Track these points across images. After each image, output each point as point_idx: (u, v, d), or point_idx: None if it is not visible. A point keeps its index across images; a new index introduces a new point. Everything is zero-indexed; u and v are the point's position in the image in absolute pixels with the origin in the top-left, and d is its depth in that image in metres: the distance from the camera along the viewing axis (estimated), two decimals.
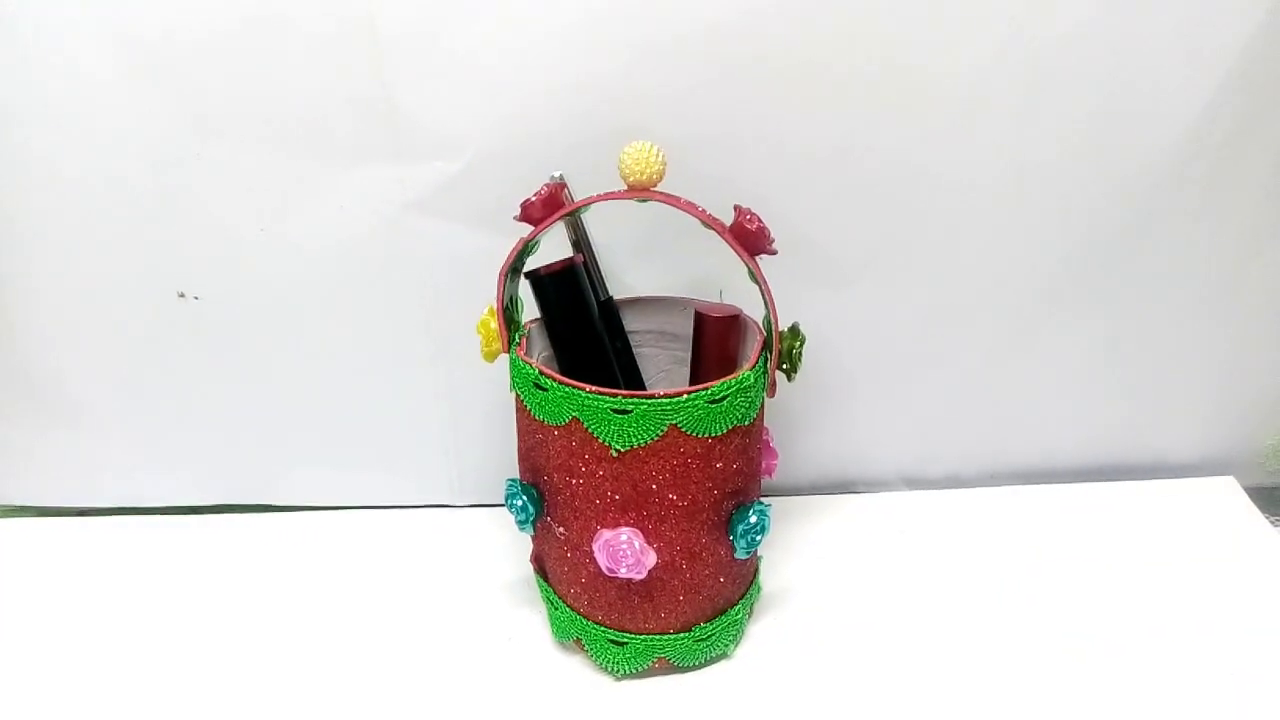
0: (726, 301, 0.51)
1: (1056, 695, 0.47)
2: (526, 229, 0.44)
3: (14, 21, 0.48)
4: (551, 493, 0.46)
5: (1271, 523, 0.57)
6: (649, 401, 0.41)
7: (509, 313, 0.46)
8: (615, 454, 0.42)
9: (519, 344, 0.46)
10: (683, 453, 0.43)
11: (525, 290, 0.47)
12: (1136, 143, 0.52)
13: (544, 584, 0.51)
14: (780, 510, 0.58)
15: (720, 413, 0.42)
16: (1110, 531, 0.58)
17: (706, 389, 0.42)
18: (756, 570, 0.52)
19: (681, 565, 0.45)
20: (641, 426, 0.42)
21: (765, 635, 0.51)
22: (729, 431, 0.43)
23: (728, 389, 0.42)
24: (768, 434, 0.51)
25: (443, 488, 0.62)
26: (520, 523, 0.47)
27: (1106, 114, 0.51)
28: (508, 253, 0.44)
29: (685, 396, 0.41)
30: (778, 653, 0.50)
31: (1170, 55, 0.50)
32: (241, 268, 0.55)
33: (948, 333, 0.58)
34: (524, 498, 0.46)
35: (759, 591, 0.53)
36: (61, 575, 0.57)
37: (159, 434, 0.60)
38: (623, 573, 0.44)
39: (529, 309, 0.48)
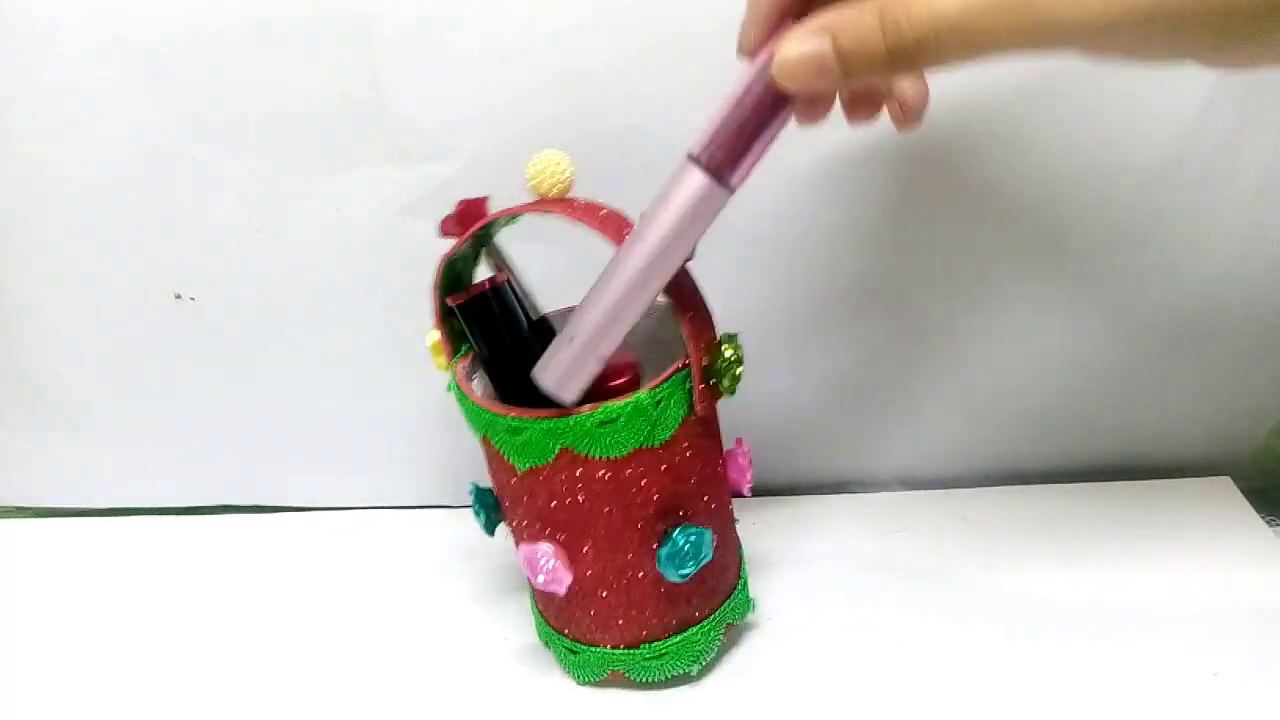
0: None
1: (1050, 695, 0.45)
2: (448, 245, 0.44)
3: (11, 24, 0.49)
4: (500, 499, 0.47)
5: (1268, 523, 0.55)
6: (537, 422, 0.41)
7: (451, 325, 0.47)
8: (520, 472, 0.42)
9: (465, 355, 0.47)
10: (582, 474, 0.41)
11: None
12: (1131, 139, 0.49)
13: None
14: (774, 509, 0.58)
15: (614, 434, 0.40)
16: (1105, 532, 0.56)
17: (594, 410, 0.40)
18: (738, 588, 0.49)
19: (611, 581, 0.44)
20: (534, 447, 0.41)
21: (756, 633, 0.50)
22: (634, 452, 0.41)
23: (619, 410, 0.40)
24: (740, 446, 0.47)
25: (438, 489, 0.63)
26: (480, 526, 0.49)
27: (1102, 109, 0.49)
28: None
29: (570, 418, 0.40)
30: (769, 651, 0.49)
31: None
32: (237, 270, 0.56)
33: (942, 331, 0.55)
34: (479, 503, 0.48)
35: (749, 606, 0.50)
36: (59, 576, 0.58)
37: (155, 435, 0.62)
38: (541, 584, 0.44)
39: None
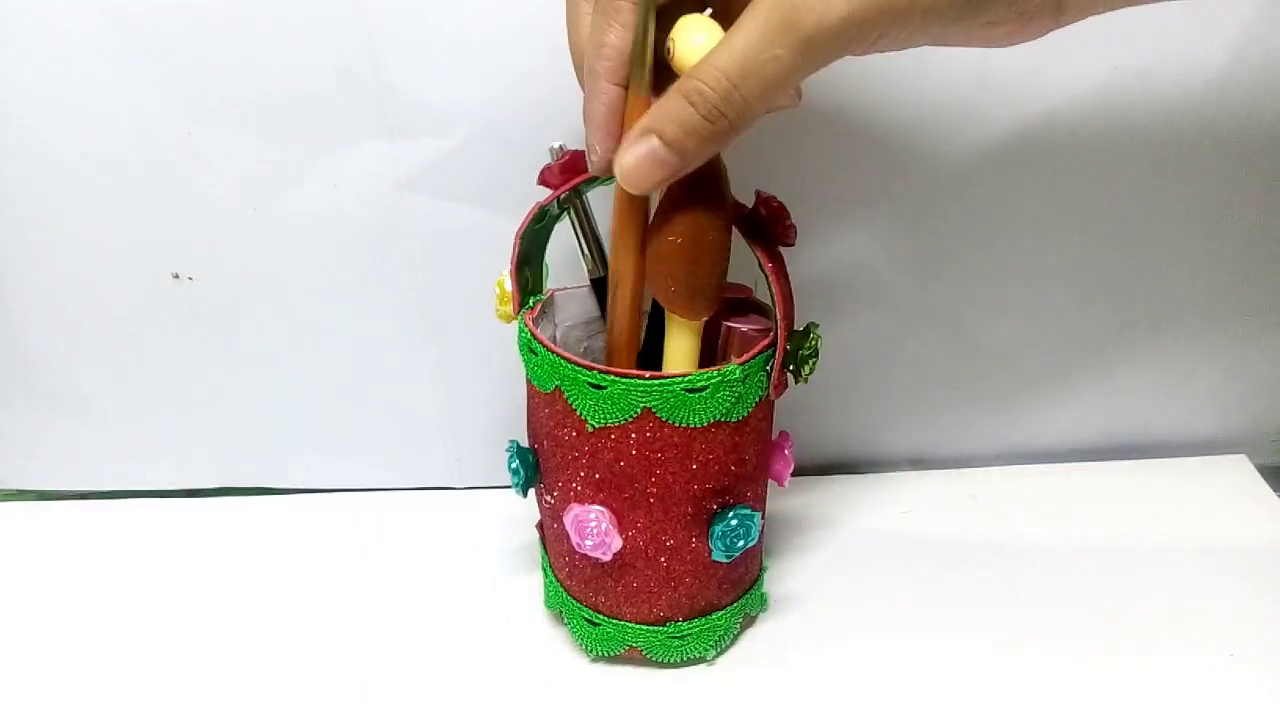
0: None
1: (1067, 675, 0.46)
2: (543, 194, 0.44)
3: (3, 1, 0.47)
4: (544, 458, 0.46)
5: None
6: (623, 381, 0.40)
7: (523, 276, 0.46)
8: (591, 429, 0.42)
9: (532, 308, 0.46)
10: (658, 439, 0.41)
11: (551, 257, 0.48)
12: (1142, 123, 0.51)
13: (543, 551, 0.51)
14: (782, 489, 0.57)
15: (700, 403, 0.41)
16: (1120, 511, 0.57)
17: (685, 376, 0.40)
18: (757, 582, 0.49)
19: (653, 555, 0.44)
20: (615, 405, 0.41)
21: (765, 614, 0.51)
22: (712, 425, 0.41)
23: (709, 379, 0.40)
24: (786, 439, 0.48)
25: (441, 470, 0.62)
26: (514, 485, 0.48)
27: (1114, 96, 0.50)
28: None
29: (660, 380, 0.40)
30: (777, 633, 0.50)
31: (1180, 34, 0.49)
32: (235, 249, 0.54)
33: (952, 309, 0.57)
34: (518, 460, 0.47)
35: (764, 602, 0.50)
36: (61, 558, 0.58)
37: (156, 417, 0.60)
38: (588, 548, 0.43)
39: (555, 277, 0.49)
